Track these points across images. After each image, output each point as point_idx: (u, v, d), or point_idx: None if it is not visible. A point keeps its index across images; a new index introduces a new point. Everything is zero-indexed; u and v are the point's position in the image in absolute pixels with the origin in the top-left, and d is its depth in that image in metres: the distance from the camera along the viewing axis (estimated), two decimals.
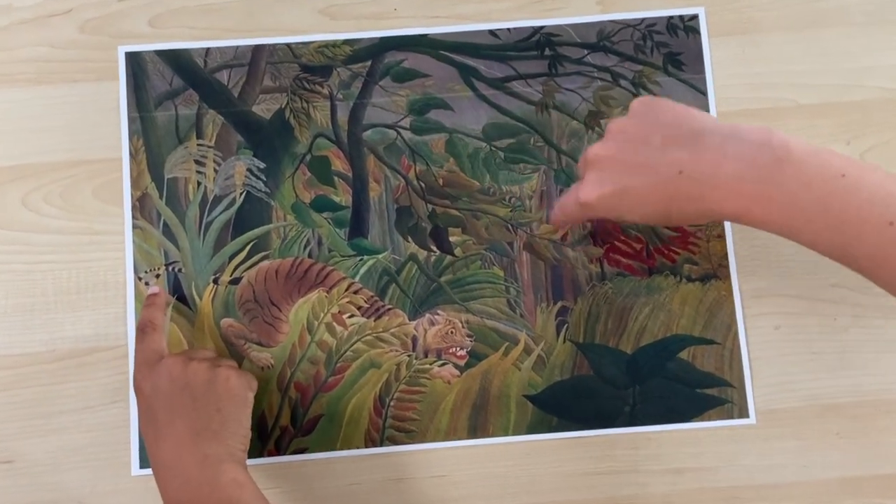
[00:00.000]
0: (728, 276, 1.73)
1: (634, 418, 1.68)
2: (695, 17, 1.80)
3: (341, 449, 1.65)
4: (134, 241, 1.70)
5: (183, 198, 1.73)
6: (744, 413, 1.68)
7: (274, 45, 1.77)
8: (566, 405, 1.69)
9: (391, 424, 1.67)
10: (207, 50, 1.77)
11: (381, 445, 1.66)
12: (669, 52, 1.80)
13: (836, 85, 1.78)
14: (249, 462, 1.61)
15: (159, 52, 1.76)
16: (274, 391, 1.67)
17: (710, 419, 1.68)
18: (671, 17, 1.80)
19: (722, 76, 1.78)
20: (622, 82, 1.79)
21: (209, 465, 1.39)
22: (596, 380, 1.70)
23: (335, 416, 1.67)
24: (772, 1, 1.80)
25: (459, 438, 1.66)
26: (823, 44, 1.79)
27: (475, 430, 1.67)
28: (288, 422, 1.66)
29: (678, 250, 1.75)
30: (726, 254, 1.74)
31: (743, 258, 1.73)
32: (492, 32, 1.79)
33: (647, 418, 1.68)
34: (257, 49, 1.77)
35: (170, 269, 1.70)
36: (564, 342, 1.70)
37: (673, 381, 1.70)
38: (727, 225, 1.75)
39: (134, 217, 1.71)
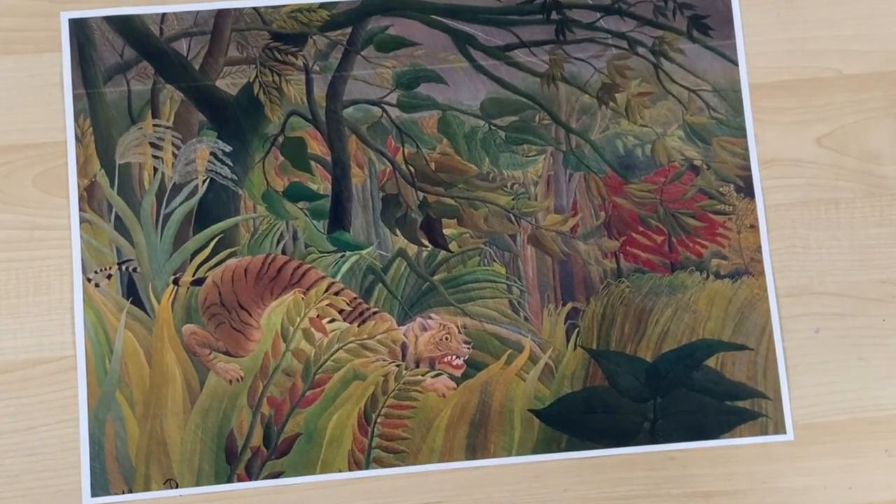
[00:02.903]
0: (762, 273, 1.48)
1: (655, 436, 1.44)
2: None
3: (321, 473, 1.41)
4: (82, 237, 1.44)
5: (137, 186, 1.47)
6: (780, 428, 1.44)
7: (240, 10, 1.51)
8: (577, 421, 1.44)
9: (378, 444, 1.43)
10: (163, 16, 1.50)
11: (366, 468, 1.42)
12: (695, 15, 1.53)
13: (887, 52, 1.51)
14: (216, 489, 1.38)
15: (108, 19, 1.49)
16: (244, 408, 1.43)
17: (741, 436, 1.44)
18: None
19: (755, 42, 1.51)
20: (640, 50, 1.52)
21: None
22: (611, 392, 1.45)
23: (314, 436, 1.42)
24: None
25: (456, 460, 1.43)
26: (873, 2, 1.52)
27: (474, 451, 1.43)
28: (260, 442, 1.42)
29: (705, 243, 1.49)
30: (760, 247, 1.49)
31: (778, 252, 1.48)
32: None
33: (670, 436, 1.44)
34: (221, 14, 1.51)
35: (123, 268, 1.45)
36: (575, 349, 1.46)
37: (699, 393, 1.46)
38: (760, 214, 1.50)
39: (81, 209, 1.45)
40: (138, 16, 1.50)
